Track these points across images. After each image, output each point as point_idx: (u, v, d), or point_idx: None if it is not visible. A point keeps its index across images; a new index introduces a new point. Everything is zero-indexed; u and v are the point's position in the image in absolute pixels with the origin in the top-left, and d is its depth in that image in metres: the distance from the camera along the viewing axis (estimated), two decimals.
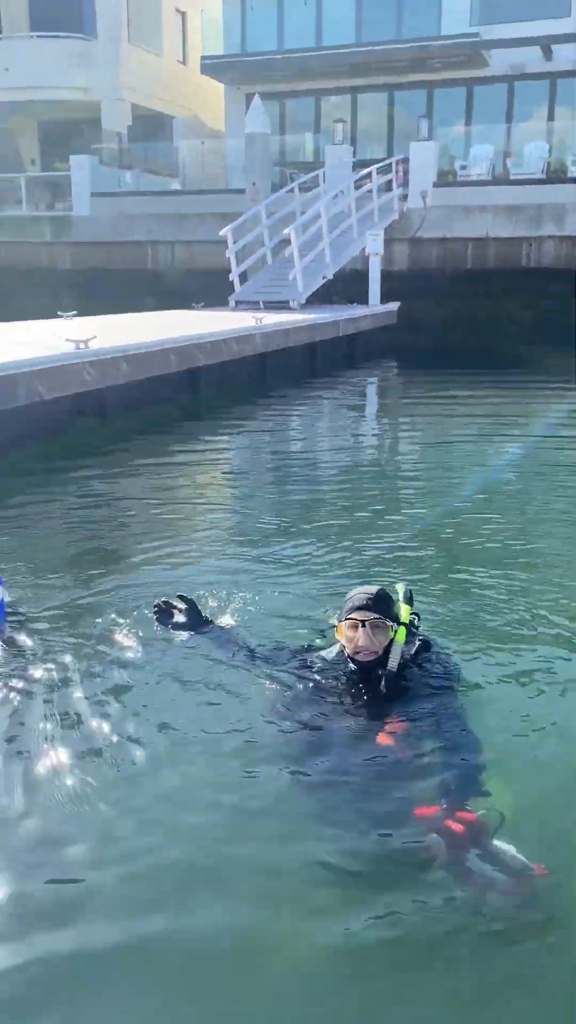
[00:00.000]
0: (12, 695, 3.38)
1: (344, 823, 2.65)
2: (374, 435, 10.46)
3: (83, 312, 13.54)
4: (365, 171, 17.69)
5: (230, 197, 19.19)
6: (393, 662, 3.09)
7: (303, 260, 15.43)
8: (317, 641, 3.62)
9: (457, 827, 2.42)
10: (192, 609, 3.68)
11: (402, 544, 5.39)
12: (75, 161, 20.76)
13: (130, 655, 3.69)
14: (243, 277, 16.49)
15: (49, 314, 13.43)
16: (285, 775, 2.87)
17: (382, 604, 3.13)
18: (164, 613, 3.70)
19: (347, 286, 17.14)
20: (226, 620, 3.86)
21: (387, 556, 5.14)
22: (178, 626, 3.68)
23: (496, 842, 2.39)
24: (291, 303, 15.21)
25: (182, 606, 3.68)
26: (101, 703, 3.33)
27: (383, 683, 3.08)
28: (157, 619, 3.71)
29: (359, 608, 3.10)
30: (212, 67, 22.66)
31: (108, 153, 22.97)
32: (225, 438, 9.43)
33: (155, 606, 3.73)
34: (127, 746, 3.06)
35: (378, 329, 16.27)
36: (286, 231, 15.55)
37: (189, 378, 10.26)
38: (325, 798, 2.78)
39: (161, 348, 9.32)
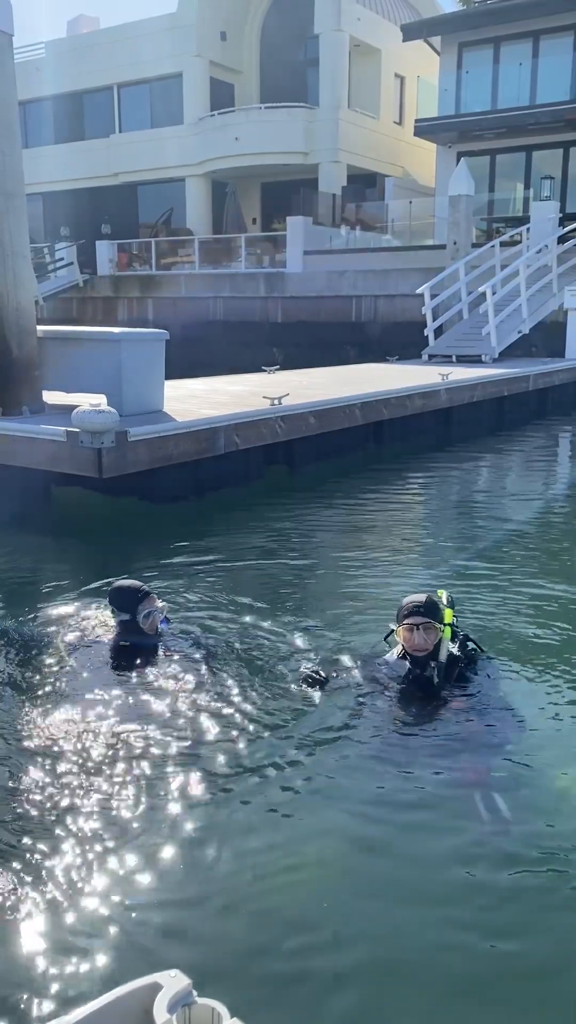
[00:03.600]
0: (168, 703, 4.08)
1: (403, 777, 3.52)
2: (559, 487, 10.60)
3: (288, 362, 14.75)
4: (572, 226, 17.90)
5: (433, 253, 19.97)
6: (442, 655, 3.91)
7: (498, 315, 15.86)
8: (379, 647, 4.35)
9: (472, 776, 3.42)
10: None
11: None
12: (291, 222, 22.45)
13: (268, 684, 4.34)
14: (439, 331, 17.15)
15: (258, 366, 14.77)
16: (362, 748, 3.72)
17: (431, 609, 3.94)
18: (314, 683, 4.16)
19: (547, 339, 17.33)
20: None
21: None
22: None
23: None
24: (484, 357, 15.66)
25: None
26: (220, 711, 4.03)
27: (436, 673, 3.88)
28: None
29: (412, 614, 3.90)
30: (426, 129, 23.62)
31: (322, 212, 24.55)
32: (405, 486, 10.02)
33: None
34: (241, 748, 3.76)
35: (575, 382, 16.32)
36: (482, 288, 16.07)
37: (374, 430, 11.03)
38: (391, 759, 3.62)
39: (347, 404, 10.16)
